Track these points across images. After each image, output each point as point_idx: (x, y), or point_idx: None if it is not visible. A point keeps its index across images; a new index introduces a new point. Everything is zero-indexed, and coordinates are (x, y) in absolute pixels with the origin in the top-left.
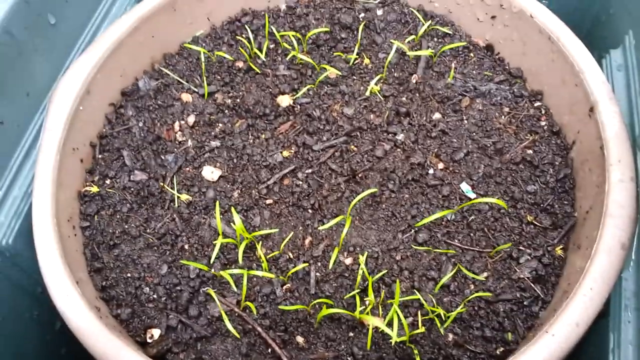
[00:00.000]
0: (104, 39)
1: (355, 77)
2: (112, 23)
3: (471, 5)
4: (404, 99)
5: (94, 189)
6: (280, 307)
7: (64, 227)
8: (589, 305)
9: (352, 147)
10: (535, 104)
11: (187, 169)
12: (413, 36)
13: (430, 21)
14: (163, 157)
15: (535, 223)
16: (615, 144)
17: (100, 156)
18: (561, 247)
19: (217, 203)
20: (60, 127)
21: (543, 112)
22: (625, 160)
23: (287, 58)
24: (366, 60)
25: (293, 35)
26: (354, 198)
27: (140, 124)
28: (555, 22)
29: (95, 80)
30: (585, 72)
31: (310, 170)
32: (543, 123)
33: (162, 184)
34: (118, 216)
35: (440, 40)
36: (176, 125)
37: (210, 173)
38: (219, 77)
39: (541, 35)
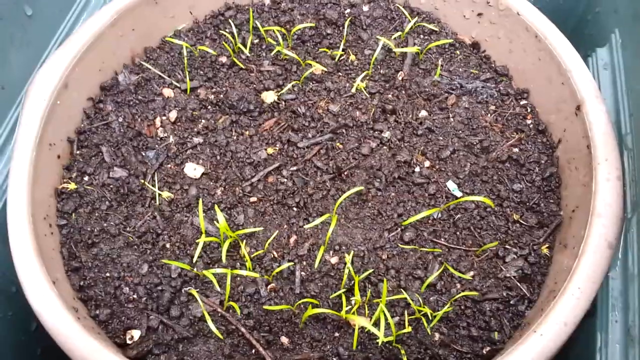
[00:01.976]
0: (83, 31)
1: (341, 74)
2: (91, 15)
3: (458, 2)
4: (390, 96)
5: (72, 186)
6: (265, 307)
7: (40, 225)
8: (576, 305)
9: (338, 144)
10: (521, 102)
11: (169, 165)
12: (399, 33)
13: (416, 18)
14: (144, 154)
15: (521, 222)
16: (602, 143)
17: (78, 152)
18: (547, 245)
19: (200, 201)
20: (37, 122)
21: (529, 110)
22: (612, 159)
23: (272, 53)
24: (352, 57)
25: (278, 31)
26: (340, 196)
27: (120, 119)
28: (542, 20)
29: (73, 74)
30: (571, 71)
31: (295, 168)
32: (529, 121)
33: (142, 181)
34: (97, 214)
35: (426, 37)
36: (157, 121)
37: (193, 170)
38: (201, 72)
39: (528, 34)
